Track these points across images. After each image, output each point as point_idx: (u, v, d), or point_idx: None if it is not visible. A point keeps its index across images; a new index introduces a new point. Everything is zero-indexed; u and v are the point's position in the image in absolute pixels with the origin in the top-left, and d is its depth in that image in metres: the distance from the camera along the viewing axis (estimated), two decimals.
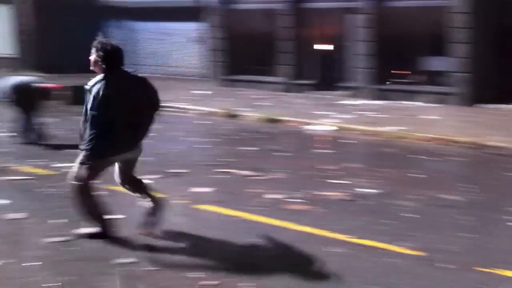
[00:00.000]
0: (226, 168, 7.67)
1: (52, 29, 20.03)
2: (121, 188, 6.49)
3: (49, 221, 5.48)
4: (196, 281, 4.24)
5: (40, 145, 8.82)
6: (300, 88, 15.35)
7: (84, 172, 4.78)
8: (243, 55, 16.54)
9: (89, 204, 4.88)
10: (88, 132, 4.61)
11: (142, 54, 19.94)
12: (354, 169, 7.91)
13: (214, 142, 9.97)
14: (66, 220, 5.41)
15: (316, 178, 7.33)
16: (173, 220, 5.64)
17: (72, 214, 5.65)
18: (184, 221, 5.65)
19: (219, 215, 5.80)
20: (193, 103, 13.72)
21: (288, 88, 15.53)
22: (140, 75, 5.10)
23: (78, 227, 5.18)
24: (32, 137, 8.91)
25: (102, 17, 20.16)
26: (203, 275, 4.31)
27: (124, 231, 5.31)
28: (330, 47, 15.36)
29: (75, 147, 8.85)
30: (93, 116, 4.54)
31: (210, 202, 6.18)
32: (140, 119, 4.80)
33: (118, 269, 4.43)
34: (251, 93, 15.27)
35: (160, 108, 5.05)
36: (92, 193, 4.90)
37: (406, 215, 5.85)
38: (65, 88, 12.79)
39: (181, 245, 4.98)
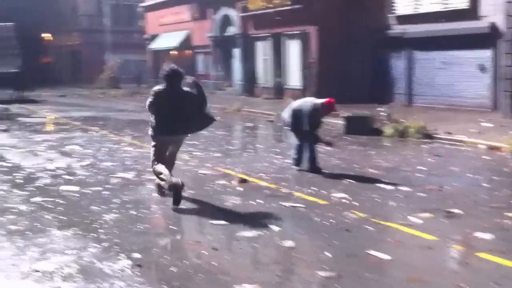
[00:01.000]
0: None
1: (335, 62, 20.85)
2: (392, 224, 6.09)
3: (314, 253, 5.32)
4: None
5: (313, 172, 8.87)
6: None
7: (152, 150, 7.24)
8: None
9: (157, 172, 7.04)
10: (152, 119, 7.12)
11: (420, 84, 19.33)
12: None
13: (500, 181, 8.77)
14: (329, 255, 5.17)
15: None
16: (446, 266, 4.98)
17: (334, 249, 5.39)
18: (459, 270, 4.93)
19: (504, 268, 4.89)
20: (475, 136, 12.55)
21: None
22: (190, 90, 7.05)
23: (338, 262, 4.92)
24: (305, 164, 9.03)
25: (384, 49, 20.16)
26: None
27: (393, 273, 4.85)
28: None
29: (348, 177, 8.61)
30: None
31: (491, 251, 5.27)
32: (178, 117, 6.90)
33: None
34: None
35: (205, 107, 7.11)
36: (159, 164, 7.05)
37: None
38: (339, 116, 13.04)
39: None
